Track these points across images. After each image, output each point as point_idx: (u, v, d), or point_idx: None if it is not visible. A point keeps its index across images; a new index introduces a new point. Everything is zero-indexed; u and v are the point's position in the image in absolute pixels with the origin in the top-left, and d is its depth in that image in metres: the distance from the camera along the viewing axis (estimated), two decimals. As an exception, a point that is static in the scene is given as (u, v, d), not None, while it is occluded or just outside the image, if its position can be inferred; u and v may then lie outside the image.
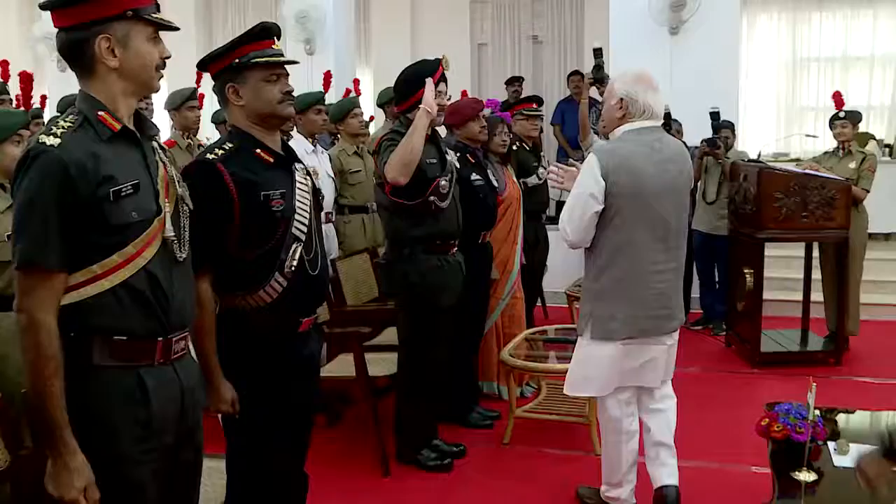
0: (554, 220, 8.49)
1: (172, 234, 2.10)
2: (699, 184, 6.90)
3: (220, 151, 2.56)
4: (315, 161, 5.15)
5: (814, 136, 7.94)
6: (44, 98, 7.58)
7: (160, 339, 2.07)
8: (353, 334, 4.11)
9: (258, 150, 2.60)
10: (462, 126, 4.89)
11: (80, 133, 1.99)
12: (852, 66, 10.07)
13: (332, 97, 6.34)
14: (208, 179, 2.50)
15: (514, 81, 9.93)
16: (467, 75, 11.05)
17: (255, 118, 2.62)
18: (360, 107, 5.75)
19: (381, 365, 4.42)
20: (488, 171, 4.98)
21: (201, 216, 2.34)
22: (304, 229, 2.61)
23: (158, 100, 5.57)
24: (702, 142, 6.75)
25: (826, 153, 6.57)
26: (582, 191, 3.30)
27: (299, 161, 2.74)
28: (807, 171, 5.96)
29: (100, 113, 2.02)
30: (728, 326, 6.69)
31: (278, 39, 2.64)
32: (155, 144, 2.18)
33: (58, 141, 1.94)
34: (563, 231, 3.38)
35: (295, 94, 2.74)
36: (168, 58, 2.15)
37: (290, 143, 5.20)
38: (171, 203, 2.14)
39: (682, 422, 3.84)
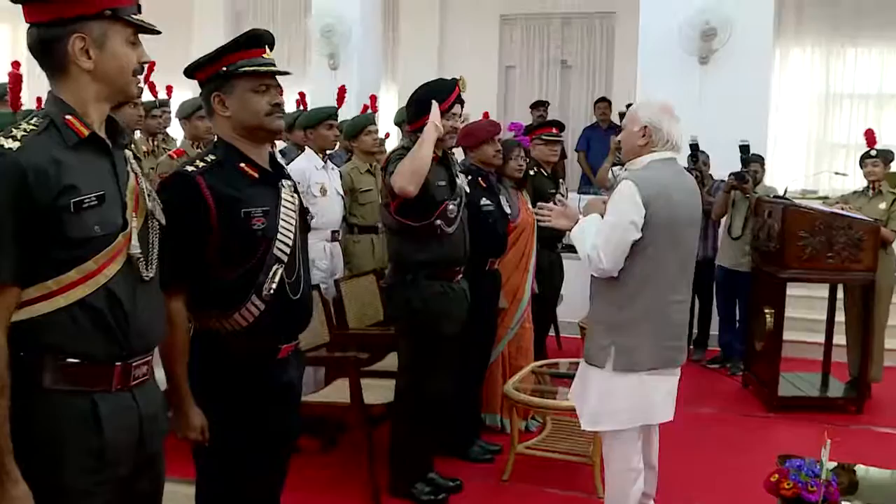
0: (571, 248, 8.36)
1: (139, 251, 1.96)
2: (724, 218, 6.72)
3: (201, 164, 2.42)
4: (325, 177, 5.03)
5: (843, 175, 7.70)
6: (39, 101, 7.45)
7: (118, 363, 1.93)
8: (350, 360, 3.95)
9: (242, 165, 2.46)
10: (476, 148, 4.75)
11: (44, 137, 1.85)
12: (887, 104, 9.87)
13: (353, 114, 6.21)
14: (185, 192, 2.36)
15: (540, 105, 9.82)
16: (493, 97, 10.96)
17: (240, 130, 2.48)
18: (375, 124, 5.62)
19: (380, 392, 4.26)
20: (501, 196, 4.83)
21: (176, 231, 2.21)
22: (287, 250, 2.46)
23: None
24: (730, 175, 6.56)
25: (855, 192, 6.35)
26: (621, 218, 3.16)
27: (288, 177, 2.59)
28: (834, 210, 5.75)
29: (67, 117, 1.89)
30: (746, 366, 6.47)
31: (271, 49, 2.51)
32: (128, 154, 2.05)
33: (17, 144, 1.81)
34: (597, 258, 3.19)
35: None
36: (146, 63, 2.03)
37: (300, 158, 5.23)
38: (139, 218, 2.00)
39: (692, 465, 3.69)
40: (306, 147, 5.14)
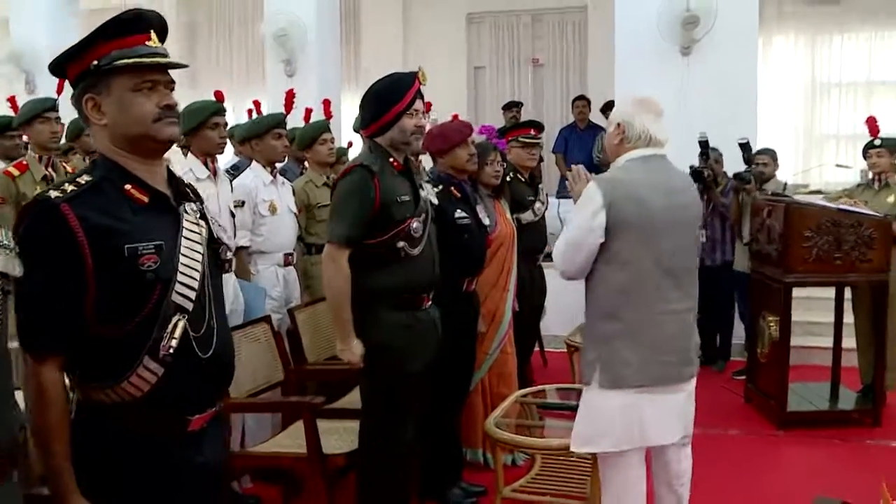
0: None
1: None
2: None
3: (71, 187, 1.83)
4: (274, 194, 4.46)
5: (846, 167, 7.23)
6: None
7: None
8: (304, 404, 3.39)
9: (127, 187, 1.89)
10: (448, 153, 4.19)
11: None
12: (877, 92, 9.44)
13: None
14: (46, 226, 1.80)
15: (513, 107, 9.38)
16: (463, 99, 10.53)
17: (122, 142, 1.91)
18: (329, 131, 5.06)
19: (344, 436, 3.71)
20: (477, 207, 4.28)
21: (39, 279, 1.72)
22: (191, 295, 1.89)
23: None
24: (733, 176, 6.10)
25: (859, 185, 5.87)
26: (581, 222, 3.01)
27: (193, 200, 2.03)
28: (841, 206, 5.24)
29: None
30: (748, 379, 5.95)
31: (161, 33, 1.94)
32: None
33: None
34: (557, 263, 3.09)
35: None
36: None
37: (247, 172, 4.65)
38: None
39: (696, 495, 3.25)
40: (252, 160, 4.56)
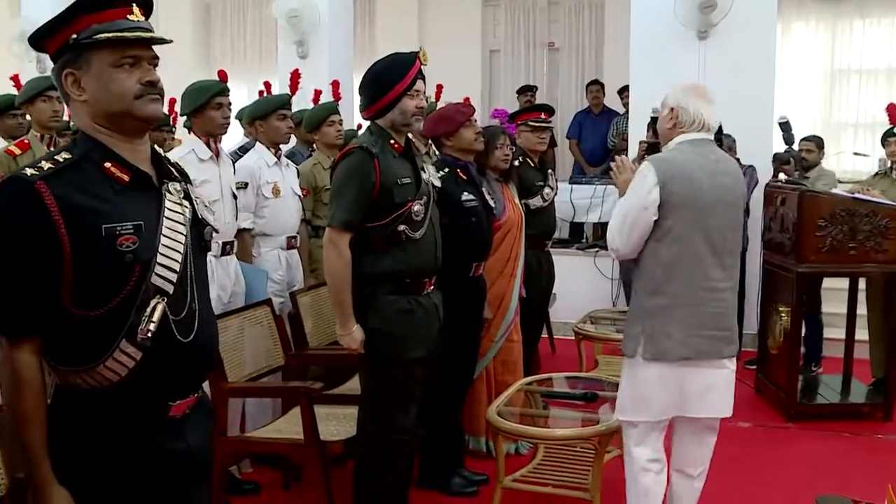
0: (566, 242, 7.79)
1: None
2: None
3: (48, 165, 1.77)
4: (278, 175, 4.39)
5: (864, 155, 7.07)
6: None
7: None
8: (301, 390, 3.34)
9: (107, 165, 1.83)
10: (453, 135, 4.13)
11: None
12: (898, 78, 9.23)
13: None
14: (20, 205, 1.74)
15: (527, 91, 9.25)
16: (477, 83, 10.38)
17: (103, 119, 1.85)
18: (338, 113, 4.99)
19: (344, 423, 3.67)
20: (483, 189, 4.22)
21: (14, 259, 1.69)
22: (172, 277, 1.83)
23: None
24: (773, 157, 5.97)
25: (877, 174, 5.75)
26: (635, 200, 3.16)
27: (178, 179, 1.97)
28: (857, 195, 5.13)
29: None
30: (759, 369, 5.86)
31: (145, 7, 1.87)
32: None
33: None
34: (612, 241, 3.25)
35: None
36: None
37: (250, 154, 4.59)
38: None
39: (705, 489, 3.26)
40: (257, 141, 4.50)
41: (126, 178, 1.84)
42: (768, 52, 6.89)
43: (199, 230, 1.97)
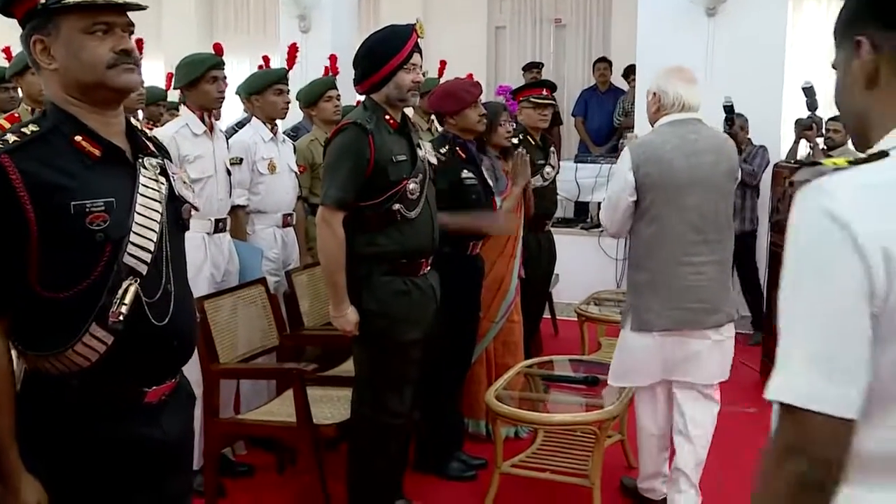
0: (570, 222, 7.69)
1: None
2: None
3: (14, 137, 1.67)
4: (274, 151, 4.29)
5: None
6: None
7: None
8: (293, 372, 3.26)
9: (78, 138, 1.73)
10: (458, 114, 4.02)
11: None
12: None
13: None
14: None
15: (533, 67, 9.07)
16: (483, 59, 10.21)
17: (74, 89, 1.75)
18: (336, 88, 4.88)
19: (338, 405, 3.58)
20: (483, 167, 4.12)
21: None
22: (146, 257, 1.74)
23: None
24: (795, 122, 5.85)
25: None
26: (615, 184, 3.43)
27: (155, 154, 1.86)
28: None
29: None
30: (764, 353, 5.76)
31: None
32: None
33: None
34: (602, 220, 3.54)
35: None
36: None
37: (246, 129, 4.48)
38: None
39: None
40: (253, 116, 4.38)
41: (97, 152, 1.74)
42: (779, 28, 6.73)
43: (176, 208, 1.87)
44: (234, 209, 4.07)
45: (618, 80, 9.03)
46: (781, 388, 1.13)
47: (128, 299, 1.70)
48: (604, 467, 3.54)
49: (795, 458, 1.10)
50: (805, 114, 5.71)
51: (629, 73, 8.41)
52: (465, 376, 4.23)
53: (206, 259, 3.82)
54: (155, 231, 1.77)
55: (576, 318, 5.67)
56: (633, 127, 7.38)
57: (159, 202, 1.80)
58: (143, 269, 1.74)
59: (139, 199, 1.76)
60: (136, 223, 1.74)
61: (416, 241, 3.20)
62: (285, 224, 4.38)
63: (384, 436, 3.29)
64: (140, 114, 5.92)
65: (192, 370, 3.54)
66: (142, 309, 1.74)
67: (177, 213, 1.88)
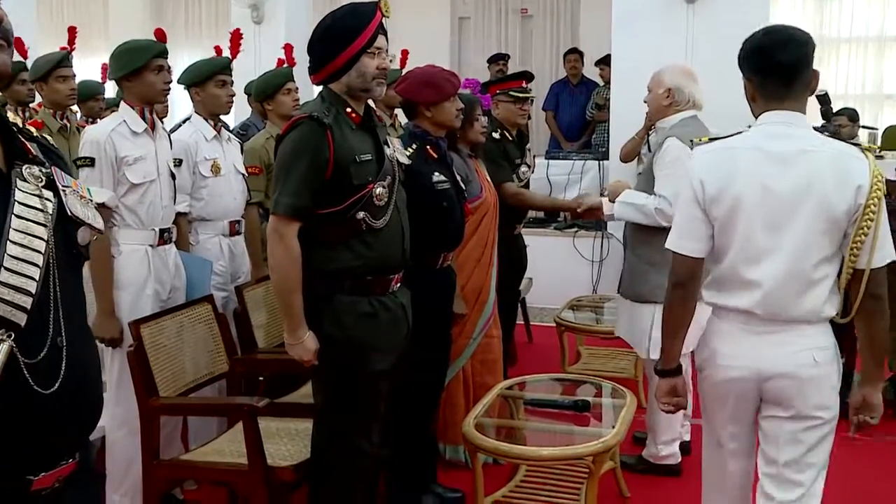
0: (542, 222, 7.30)
1: None
2: None
3: None
4: (218, 151, 3.82)
5: (872, 129, 6.66)
6: None
7: None
8: (244, 408, 2.81)
9: None
10: (435, 106, 3.55)
11: None
12: (889, 49, 8.88)
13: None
14: None
15: (499, 59, 8.78)
16: (446, 51, 9.93)
17: None
18: (293, 80, 4.42)
19: (295, 441, 3.13)
20: (455, 168, 3.68)
21: None
22: (24, 303, 1.29)
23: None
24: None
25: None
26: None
27: (40, 162, 1.41)
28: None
29: None
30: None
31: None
32: None
33: None
34: (671, 208, 3.50)
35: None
36: None
37: (185, 127, 4.00)
38: None
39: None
40: (193, 113, 3.91)
41: None
42: (760, 18, 6.41)
43: (68, 232, 1.41)
44: (178, 217, 3.61)
45: (589, 71, 8.71)
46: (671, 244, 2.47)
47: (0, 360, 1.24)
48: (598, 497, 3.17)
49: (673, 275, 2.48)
50: (819, 122, 5.36)
51: (603, 63, 8.07)
52: (439, 401, 3.80)
53: (150, 275, 3.36)
54: (37, 266, 1.31)
55: (550, 324, 5.37)
56: (607, 121, 7.05)
57: (44, 226, 1.34)
58: (21, 320, 1.28)
59: (14, 223, 1.30)
60: (8, 255, 1.28)
61: (383, 256, 2.77)
62: (233, 232, 3.90)
63: (350, 479, 2.86)
64: (79, 114, 5.49)
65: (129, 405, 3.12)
66: (19, 374, 1.29)
67: (69, 239, 1.42)
